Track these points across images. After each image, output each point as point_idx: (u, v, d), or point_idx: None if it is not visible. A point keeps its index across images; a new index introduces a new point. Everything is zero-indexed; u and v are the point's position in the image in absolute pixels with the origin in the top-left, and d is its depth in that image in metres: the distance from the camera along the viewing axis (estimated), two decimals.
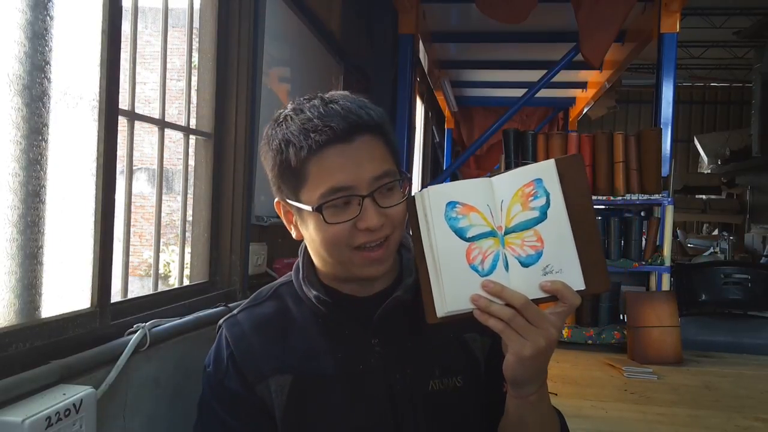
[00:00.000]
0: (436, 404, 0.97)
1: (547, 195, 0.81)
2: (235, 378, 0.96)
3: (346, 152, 0.88)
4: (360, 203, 0.88)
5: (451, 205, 0.82)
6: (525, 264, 0.81)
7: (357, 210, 0.88)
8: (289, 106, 0.94)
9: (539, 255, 0.80)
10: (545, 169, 0.81)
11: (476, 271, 0.81)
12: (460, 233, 0.82)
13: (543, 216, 0.81)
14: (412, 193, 0.90)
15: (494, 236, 0.82)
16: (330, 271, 0.98)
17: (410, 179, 0.99)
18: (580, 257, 0.80)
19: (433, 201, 0.83)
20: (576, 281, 0.80)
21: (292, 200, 0.93)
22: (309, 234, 0.94)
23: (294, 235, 0.99)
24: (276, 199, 0.98)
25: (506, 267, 0.81)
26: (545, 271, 0.80)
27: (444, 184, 0.86)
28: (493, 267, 0.81)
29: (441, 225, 0.82)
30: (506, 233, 0.82)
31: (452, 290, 0.81)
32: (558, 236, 0.80)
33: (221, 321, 1.03)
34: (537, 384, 0.86)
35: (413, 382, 0.96)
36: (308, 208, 0.90)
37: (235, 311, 1.04)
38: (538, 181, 0.81)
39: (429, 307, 0.82)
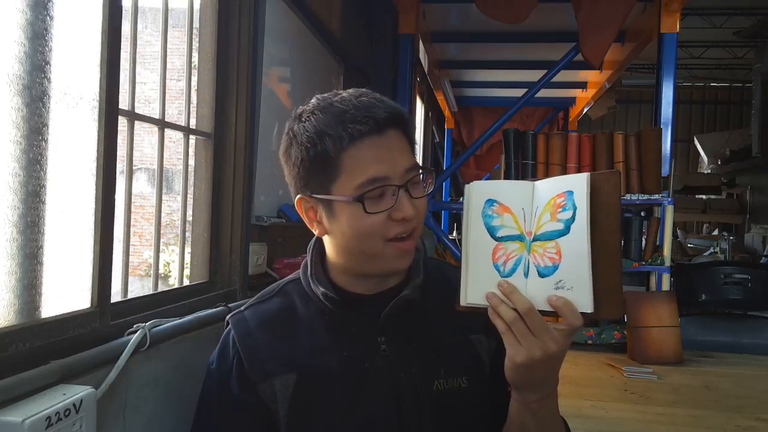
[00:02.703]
0: (441, 404, 0.97)
1: (574, 209, 0.79)
2: (237, 379, 0.96)
3: (380, 144, 0.89)
4: (395, 194, 0.89)
5: (490, 202, 0.84)
6: (542, 274, 0.81)
7: (392, 201, 0.89)
8: (312, 102, 0.94)
9: (555, 268, 0.80)
10: (577, 182, 0.80)
11: (498, 270, 0.83)
12: (491, 231, 0.84)
13: (566, 230, 0.80)
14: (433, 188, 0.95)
15: (521, 240, 0.83)
16: (354, 266, 0.97)
17: (434, 173, 1.01)
18: (595, 280, 0.78)
19: (474, 195, 0.85)
20: (585, 303, 0.78)
21: (320, 194, 0.92)
22: (340, 227, 0.92)
23: (317, 231, 0.98)
24: (298, 196, 0.96)
25: (526, 273, 0.82)
26: (557, 285, 0.79)
27: (490, 181, 0.89)
28: (513, 270, 0.82)
29: (477, 220, 0.84)
30: (534, 240, 0.82)
31: (475, 284, 0.83)
32: (576, 253, 0.79)
33: (228, 317, 1.04)
34: (538, 393, 0.86)
35: (418, 381, 0.97)
36: (345, 199, 0.89)
37: (242, 308, 1.04)
38: (569, 193, 0.80)
39: (458, 295, 0.85)
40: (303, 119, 0.92)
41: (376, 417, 0.95)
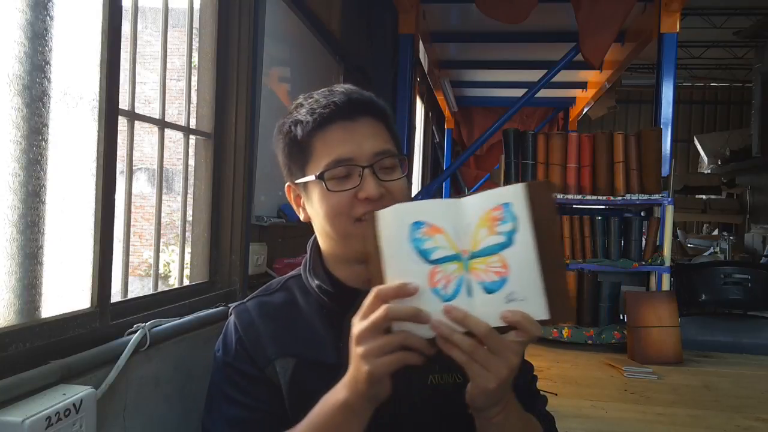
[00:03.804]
0: (435, 398, 0.98)
1: (515, 220, 0.78)
2: (245, 359, 0.99)
3: (349, 129, 0.95)
4: (360, 174, 0.93)
5: (417, 225, 0.79)
6: (489, 290, 0.78)
7: (357, 181, 0.93)
8: (300, 98, 1.00)
9: (503, 281, 0.77)
10: (514, 194, 0.79)
11: (438, 295, 0.78)
12: (424, 255, 0.78)
13: (509, 241, 0.78)
14: (407, 174, 0.97)
15: (458, 260, 0.79)
16: (335, 250, 0.99)
17: (409, 159, 1.03)
18: (545, 286, 0.77)
19: (398, 220, 0.79)
20: (540, 311, 0.77)
21: (299, 178, 0.98)
22: (314, 209, 0.98)
23: (302, 217, 1.03)
24: (287, 184, 1.03)
25: (469, 293, 0.78)
26: (509, 298, 0.77)
27: (411, 202, 0.83)
28: (456, 292, 0.78)
29: (404, 245, 0.79)
30: (471, 257, 0.79)
31: None
32: (524, 263, 0.77)
33: (232, 308, 1.07)
34: (500, 406, 0.84)
35: (412, 375, 0.96)
36: (311, 179, 0.95)
37: (245, 300, 1.07)
38: (507, 205, 0.78)
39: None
40: (289, 113, 1.00)
41: None
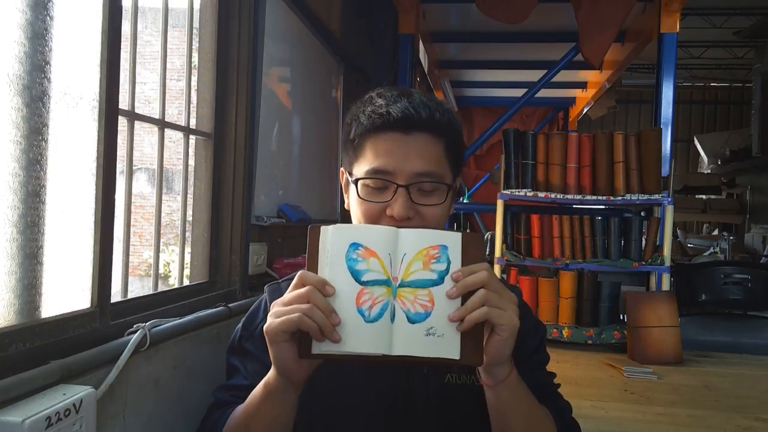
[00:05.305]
0: (451, 397, 0.99)
1: (449, 263, 0.84)
2: (258, 342, 1.02)
3: (400, 141, 0.94)
4: (395, 191, 0.93)
5: (354, 246, 0.84)
6: (412, 320, 0.82)
7: (391, 196, 0.94)
8: (375, 91, 1.01)
9: (427, 315, 0.82)
10: (453, 240, 0.85)
11: (362, 315, 0.82)
12: (355, 275, 0.83)
13: (440, 280, 0.83)
14: (446, 200, 0.97)
15: (388, 285, 0.83)
16: None
17: (454, 189, 1.02)
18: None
19: (337, 238, 0.84)
20: (452, 350, 0.82)
21: (348, 171, 1.01)
22: (351, 205, 1.01)
23: (346, 204, 1.05)
24: (341, 169, 1.06)
25: (392, 318, 0.82)
26: (428, 332, 0.82)
27: (353, 224, 0.89)
28: (380, 315, 0.82)
29: (340, 263, 0.83)
30: (401, 286, 0.83)
31: (336, 329, 0.82)
32: (449, 303, 0.83)
33: (266, 285, 1.11)
34: (509, 364, 0.86)
35: (431, 372, 0.99)
36: (351, 179, 0.98)
37: (280, 280, 1.12)
38: (444, 247, 0.84)
39: (305, 340, 0.83)
40: (361, 102, 1.00)
41: (383, 401, 0.98)
